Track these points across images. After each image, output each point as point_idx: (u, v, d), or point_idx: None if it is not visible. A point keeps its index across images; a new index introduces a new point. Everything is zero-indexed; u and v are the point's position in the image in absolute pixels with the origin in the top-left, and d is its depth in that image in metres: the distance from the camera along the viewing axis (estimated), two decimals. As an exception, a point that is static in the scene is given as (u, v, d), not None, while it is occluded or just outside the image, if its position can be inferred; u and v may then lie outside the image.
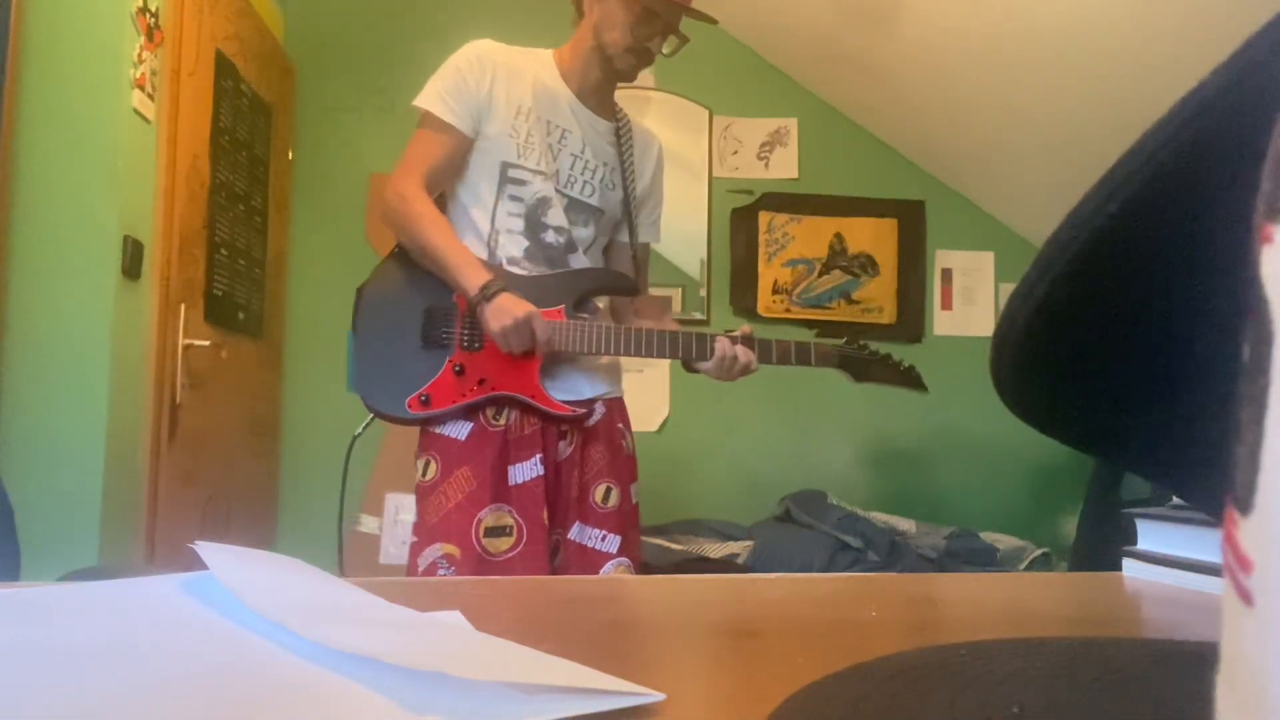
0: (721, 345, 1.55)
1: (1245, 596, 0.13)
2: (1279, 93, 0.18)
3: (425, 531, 1.50)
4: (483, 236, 1.57)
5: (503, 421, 1.54)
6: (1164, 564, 0.62)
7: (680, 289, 3.57)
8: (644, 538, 3.01)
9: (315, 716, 0.28)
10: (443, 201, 1.62)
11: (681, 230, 3.60)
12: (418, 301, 1.56)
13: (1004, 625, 0.49)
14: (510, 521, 1.50)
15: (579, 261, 1.62)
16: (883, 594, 0.58)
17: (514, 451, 1.53)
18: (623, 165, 1.68)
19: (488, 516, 1.49)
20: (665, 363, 3.45)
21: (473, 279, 1.47)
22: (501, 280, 1.48)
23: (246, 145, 2.92)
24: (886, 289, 3.63)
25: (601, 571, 1.56)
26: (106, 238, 2.05)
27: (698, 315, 3.54)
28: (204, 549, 0.44)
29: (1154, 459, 0.30)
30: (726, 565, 2.84)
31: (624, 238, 1.73)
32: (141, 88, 2.15)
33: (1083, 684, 0.30)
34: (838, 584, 0.64)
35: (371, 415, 1.56)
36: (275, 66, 3.20)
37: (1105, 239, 0.24)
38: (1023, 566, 3.03)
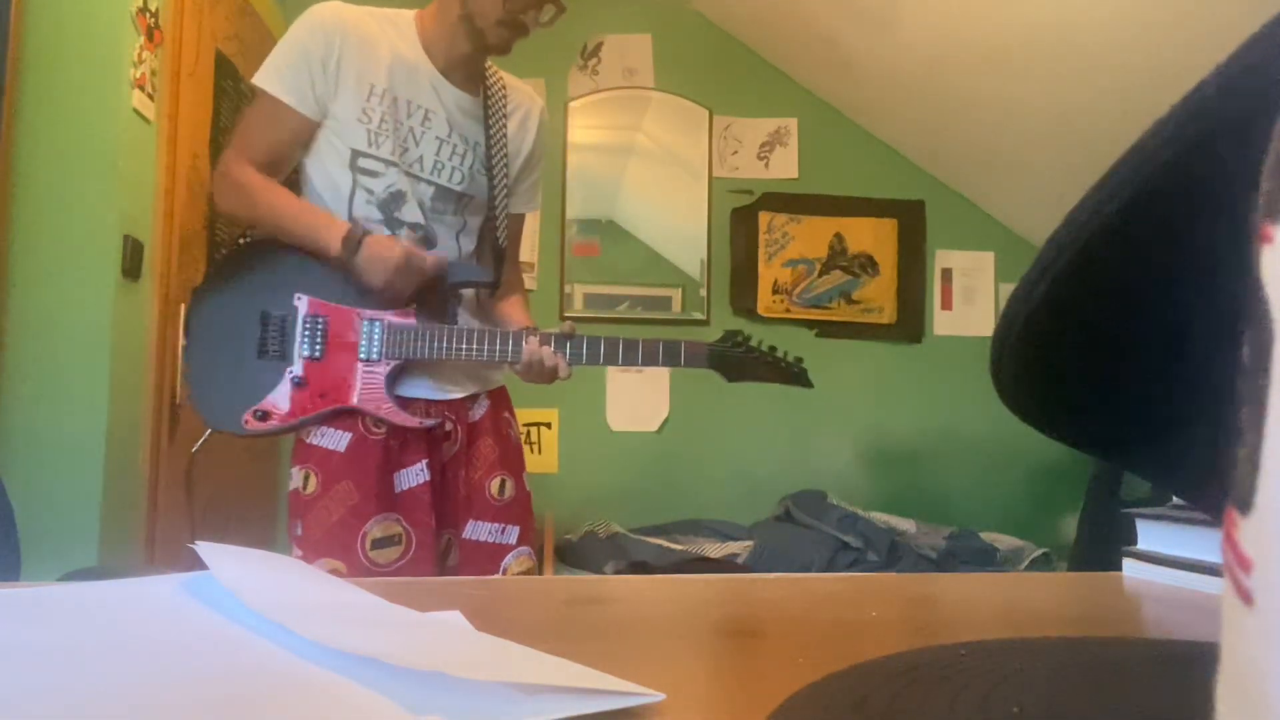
0: (529, 348, 1.43)
1: (1245, 596, 0.13)
2: (1279, 93, 0.18)
3: (310, 546, 1.43)
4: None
5: (383, 429, 1.45)
6: (1164, 564, 0.62)
7: (680, 289, 3.57)
8: (644, 538, 3.02)
9: (315, 716, 0.28)
10: (297, 184, 1.51)
11: (681, 230, 3.61)
12: (253, 305, 1.44)
13: (1004, 625, 0.49)
14: (399, 530, 1.43)
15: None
16: (883, 594, 0.58)
17: (399, 457, 1.45)
18: (490, 145, 1.54)
19: (374, 528, 1.42)
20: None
21: (330, 235, 1.37)
22: (360, 227, 1.38)
23: (246, 145, 2.92)
24: (886, 289, 3.63)
25: (504, 562, 1.51)
26: (106, 238, 2.05)
27: (698, 315, 3.54)
28: (204, 549, 0.44)
29: (1154, 459, 0.30)
30: (726, 565, 2.84)
31: (511, 210, 1.61)
32: (141, 88, 2.15)
33: (1083, 684, 0.30)
34: (838, 584, 0.64)
35: (209, 430, 1.46)
36: (275, 66, 3.20)
37: (1105, 239, 0.24)
38: (1023, 566, 3.03)
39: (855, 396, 3.53)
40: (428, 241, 1.49)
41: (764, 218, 3.60)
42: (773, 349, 1.57)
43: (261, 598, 0.38)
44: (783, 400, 3.52)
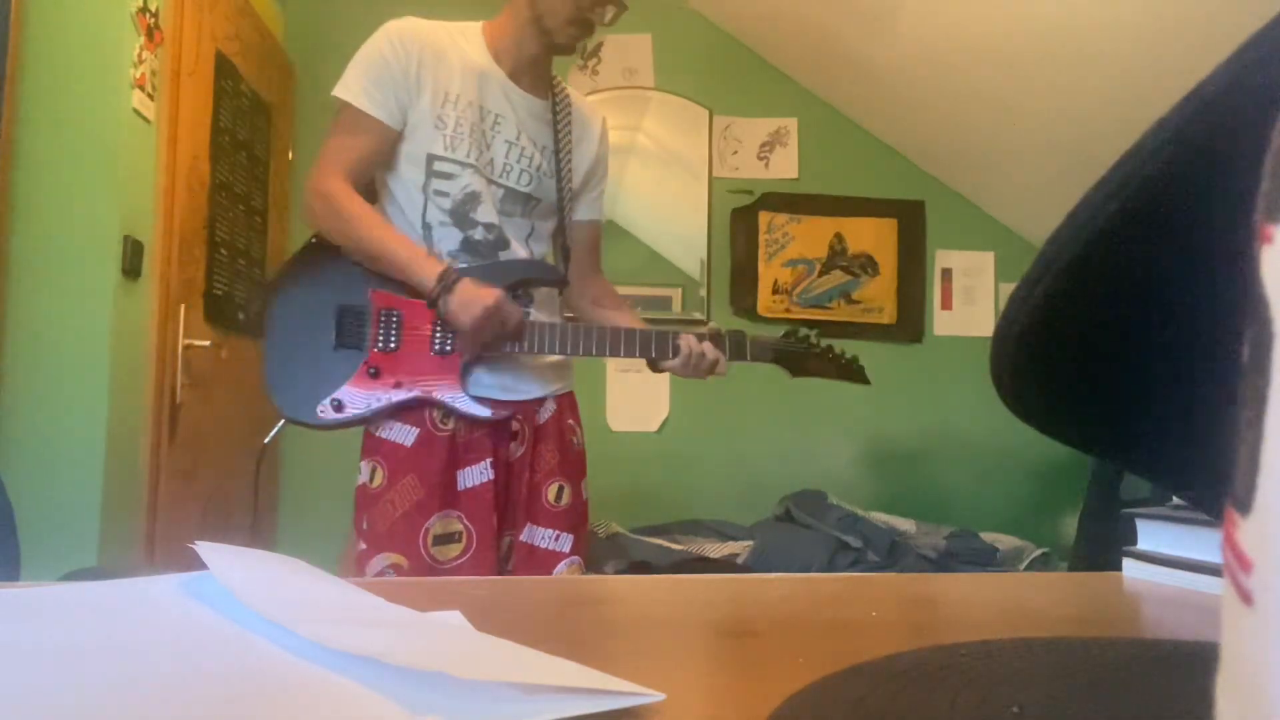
0: (687, 342, 1.49)
1: (1245, 596, 0.13)
2: (1279, 93, 0.18)
3: (373, 540, 1.44)
4: (415, 229, 1.49)
5: (450, 425, 1.47)
6: (1164, 564, 0.62)
7: (680, 289, 3.57)
8: (644, 538, 3.02)
9: (315, 716, 0.28)
10: (372, 193, 1.53)
11: (681, 230, 3.61)
12: (330, 299, 1.47)
13: (1004, 625, 0.49)
14: (459, 528, 1.45)
15: (509, 257, 1.53)
16: (883, 594, 0.58)
17: (463, 455, 1.47)
18: (558, 147, 1.58)
19: (436, 524, 1.43)
20: (665, 363, 3.46)
21: (426, 271, 1.40)
22: (456, 270, 1.41)
23: (246, 145, 2.92)
24: (886, 289, 3.63)
25: (554, 572, 1.51)
26: (106, 238, 2.05)
27: (698, 315, 3.54)
28: (204, 549, 0.44)
29: (1154, 459, 0.30)
30: (726, 565, 2.84)
31: (574, 217, 1.65)
32: (141, 88, 2.15)
33: (1083, 684, 0.30)
34: (838, 584, 0.64)
35: (282, 421, 1.47)
36: (275, 66, 3.20)
37: (1105, 239, 0.24)
38: (1023, 566, 3.03)
39: (855, 396, 3.52)
40: (501, 242, 1.52)
41: (764, 218, 3.60)
42: (829, 346, 1.65)
43: (261, 598, 0.38)
44: (783, 400, 3.52)
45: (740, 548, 2.95)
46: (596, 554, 2.91)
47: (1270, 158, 0.13)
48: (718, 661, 0.41)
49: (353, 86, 1.45)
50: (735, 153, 3.63)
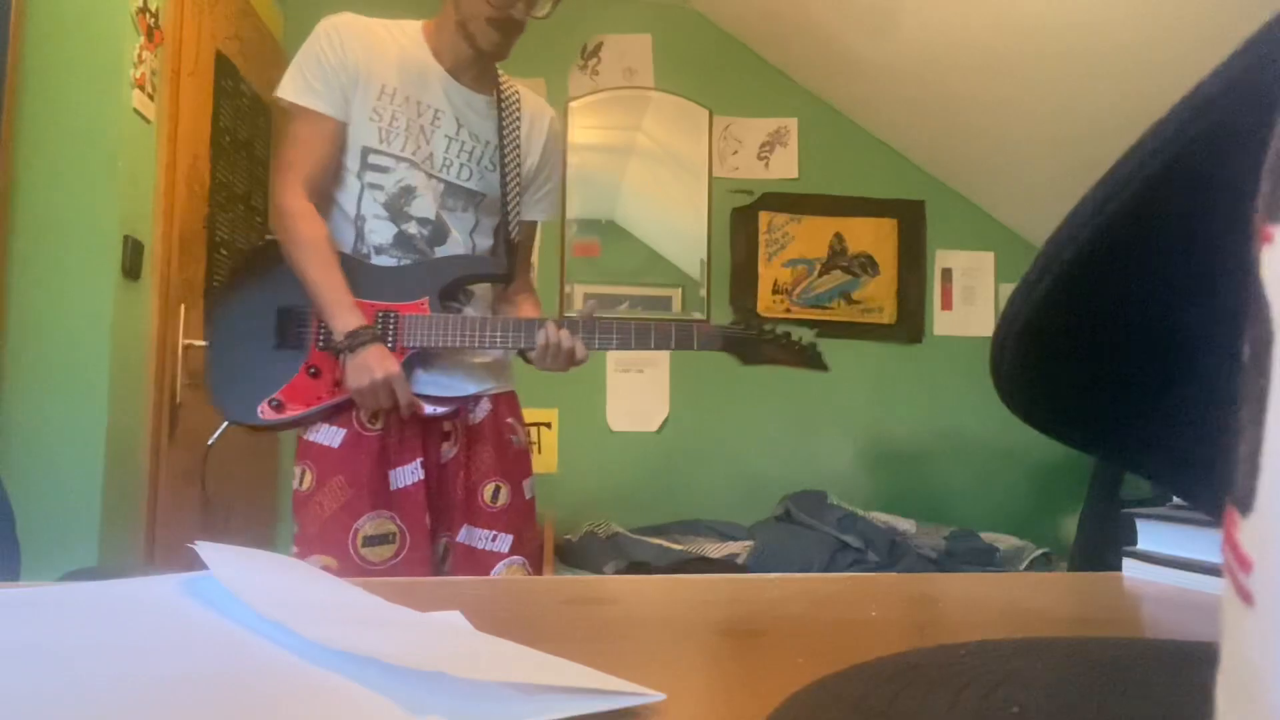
0: (544, 332, 1.43)
1: (1245, 596, 0.13)
2: (1279, 93, 0.18)
3: (304, 543, 1.44)
4: (350, 219, 1.48)
5: (379, 425, 1.45)
6: (1164, 564, 0.62)
7: (680, 289, 3.57)
8: (644, 538, 3.02)
9: (315, 716, 0.28)
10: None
11: (681, 230, 3.61)
12: (271, 301, 1.46)
13: (1004, 625, 0.49)
14: (393, 528, 1.44)
15: (447, 252, 1.51)
16: (883, 594, 0.58)
17: (394, 455, 1.46)
18: (503, 143, 1.55)
19: (366, 525, 1.42)
20: (665, 363, 3.46)
21: (340, 322, 1.38)
22: (371, 331, 1.39)
23: (246, 145, 2.92)
24: (886, 289, 3.63)
25: (492, 573, 1.49)
26: (106, 238, 2.05)
27: (698, 315, 3.54)
28: (204, 549, 0.44)
29: (1155, 459, 0.30)
30: (726, 565, 2.84)
31: (520, 216, 1.62)
32: (141, 88, 2.15)
33: (1083, 684, 0.30)
34: (838, 584, 0.64)
35: (225, 423, 1.47)
36: (275, 66, 3.20)
37: (1105, 239, 0.24)
38: (1023, 566, 3.03)
39: (855, 396, 3.53)
40: (438, 236, 1.50)
41: (764, 218, 3.60)
42: (786, 332, 1.57)
43: (261, 598, 0.38)
44: (783, 400, 3.52)
45: (740, 548, 2.95)
46: (596, 554, 2.91)
47: (1270, 158, 0.13)
48: (718, 661, 0.41)
49: (296, 86, 1.44)
50: (735, 153, 3.63)
